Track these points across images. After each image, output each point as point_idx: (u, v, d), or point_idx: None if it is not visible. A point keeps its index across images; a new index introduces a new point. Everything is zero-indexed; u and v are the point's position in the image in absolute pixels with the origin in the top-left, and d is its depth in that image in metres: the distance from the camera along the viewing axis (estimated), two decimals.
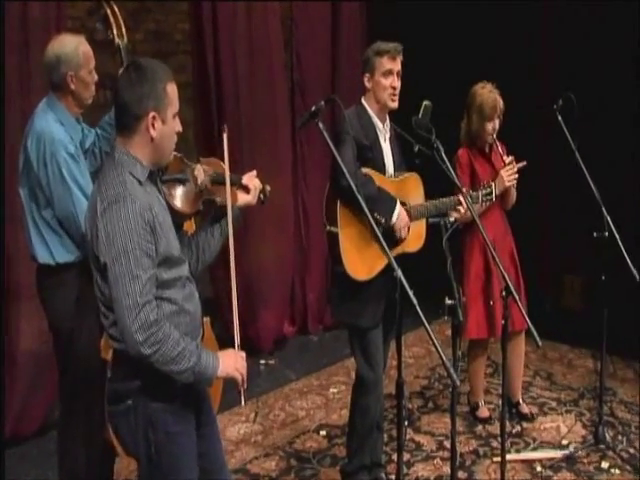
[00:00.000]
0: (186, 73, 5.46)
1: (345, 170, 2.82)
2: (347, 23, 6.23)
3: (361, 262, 3.43)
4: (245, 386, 2.50)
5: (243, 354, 2.53)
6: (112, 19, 3.46)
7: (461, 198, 3.55)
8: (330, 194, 3.47)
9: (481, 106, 4.16)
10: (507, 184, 4.07)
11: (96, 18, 3.54)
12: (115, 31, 3.45)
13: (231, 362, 2.46)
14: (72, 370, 3.40)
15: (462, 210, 3.60)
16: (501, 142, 4.25)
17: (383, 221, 3.39)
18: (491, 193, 3.90)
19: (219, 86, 5.34)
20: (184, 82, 5.33)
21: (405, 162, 3.72)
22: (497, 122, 4.17)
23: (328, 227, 3.46)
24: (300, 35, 5.98)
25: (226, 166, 2.80)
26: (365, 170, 3.45)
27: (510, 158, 4.13)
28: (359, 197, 2.76)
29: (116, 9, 3.49)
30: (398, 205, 3.49)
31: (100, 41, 3.57)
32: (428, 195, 3.73)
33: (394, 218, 3.46)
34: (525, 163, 4.15)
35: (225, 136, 2.91)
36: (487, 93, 4.17)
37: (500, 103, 4.16)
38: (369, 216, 2.76)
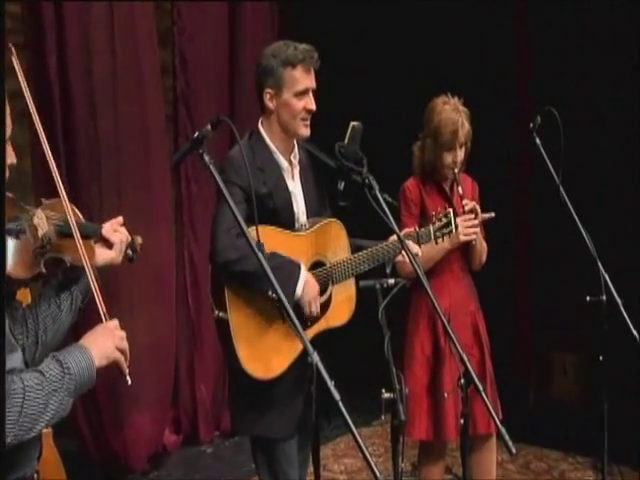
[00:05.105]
0: (16, 77, 5.33)
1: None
2: (252, 21, 6.29)
3: (261, 355, 3.43)
4: (128, 365, 2.47)
5: (115, 322, 2.50)
6: None
7: (404, 240, 3.31)
8: (214, 270, 3.47)
9: (438, 130, 4.11)
10: (462, 238, 4.00)
11: None
12: None
13: (107, 342, 2.43)
14: None
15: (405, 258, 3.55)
16: (470, 178, 4.28)
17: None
18: (450, 224, 3.81)
19: (66, 95, 5.23)
20: (14, 90, 5.20)
21: (330, 197, 3.69)
22: (461, 152, 4.13)
23: (216, 312, 3.44)
24: (186, 28, 5.98)
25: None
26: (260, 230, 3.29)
27: (471, 204, 4.05)
28: (267, 268, 2.66)
29: None
30: (302, 273, 3.43)
31: None
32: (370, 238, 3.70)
33: (298, 291, 3.40)
34: (492, 215, 4.12)
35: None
36: (448, 113, 4.12)
37: (465, 127, 4.11)
38: (277, 287, 2.63)
